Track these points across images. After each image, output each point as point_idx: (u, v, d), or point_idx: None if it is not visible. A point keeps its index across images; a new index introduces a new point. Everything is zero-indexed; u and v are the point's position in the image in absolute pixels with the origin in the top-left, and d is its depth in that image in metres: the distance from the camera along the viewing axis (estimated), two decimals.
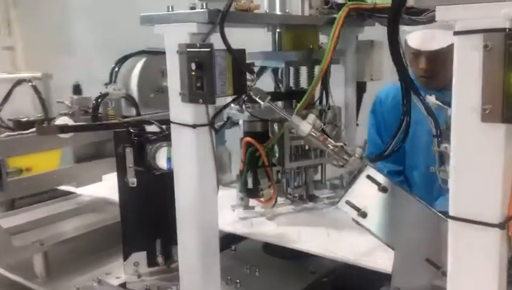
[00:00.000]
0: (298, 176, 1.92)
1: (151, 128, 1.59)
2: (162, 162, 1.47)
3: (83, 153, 2.09)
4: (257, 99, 1.28)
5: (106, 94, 2.12)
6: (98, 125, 1.92)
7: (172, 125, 1.35)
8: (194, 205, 1.35)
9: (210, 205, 1.38)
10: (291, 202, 1.94)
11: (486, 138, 0.85)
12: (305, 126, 1.23)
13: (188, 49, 1.25)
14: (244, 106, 1.70)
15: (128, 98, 2.26)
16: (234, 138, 1.97)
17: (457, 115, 0.88)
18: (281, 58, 1.69)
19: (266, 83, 1.91)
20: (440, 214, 1.12)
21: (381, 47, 2.01)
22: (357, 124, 2.18)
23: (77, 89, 2.16)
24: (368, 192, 1.14)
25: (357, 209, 1.14)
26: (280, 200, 1.96)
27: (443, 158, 1.17)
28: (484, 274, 0.89)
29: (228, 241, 1.89)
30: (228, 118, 1.84)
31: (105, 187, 2.13)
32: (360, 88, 2.13)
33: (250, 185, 1.75)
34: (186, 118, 1.31)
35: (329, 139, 1.23)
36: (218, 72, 1.23)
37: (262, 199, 1.79)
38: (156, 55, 2.36)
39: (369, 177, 1.13)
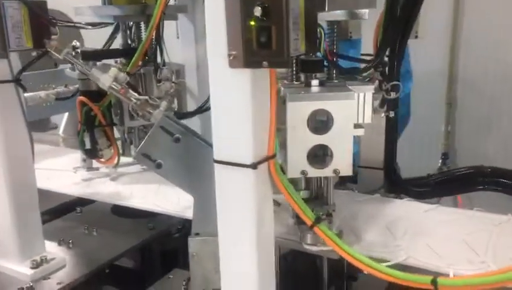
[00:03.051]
0: (145, 134, 1.91)
1: None
2: None
3: None
4: (52, 52, 1.24)
5: None
6: None
7: None
8: (2, 165, 1.31)
9: (22, 165, 1.35)
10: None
11: (235, 83, 0.89)
12: (106, 79, 1.22)
13: None
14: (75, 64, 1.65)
15: None
16: None
17: (211, 61, 0.91)
18: (109, 12, 1.64)
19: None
20: None
21: None
22: None
23: None
24: (162, 143, 1.16)
25: (153, 160, 1.16)
26: (129, 160, 1.95)
27: None
28: (244, 211, 0.95)
29: (77, 204, 1.87)
30: None
31: None
32: None
33: (87, 145, 1.72)
34: None
35: (131, 92, 1.23)
36: (10, 24, 1.18)
37: (102, 160, 1.77)
38: None
39: (162, 128, 1.15)
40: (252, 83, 0.89)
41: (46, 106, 2.17)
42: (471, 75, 3.44)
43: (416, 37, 1.67)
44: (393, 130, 1.74)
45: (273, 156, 0.96)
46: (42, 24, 1.24)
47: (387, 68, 1.27)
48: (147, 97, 1.23)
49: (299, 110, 1.08)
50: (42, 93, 2.07)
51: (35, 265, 1.37)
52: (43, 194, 1.58)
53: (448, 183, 1.87)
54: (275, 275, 1.05)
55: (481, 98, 3.41)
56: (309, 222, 0.99)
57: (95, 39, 1.87)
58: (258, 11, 0.80)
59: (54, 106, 2.22)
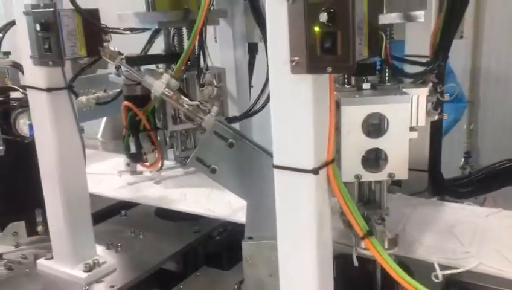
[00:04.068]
0: (187, 138, 1.93)
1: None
2: (23, 128, 1.43)
3: None
4: (107, 59, 1.26)
5: None
6: None
7: (28, 90, 1.32)
8: (56, 170, 1.34)
9: (75, 170, 1.38)
10: (180, 165, 1.95)
11: (297, 89, 0.89)
12: (159, 85, 1.23)
13: (33, 10, 1.21)
14: (121, 70, 1.67)
15: (17, 67, 2.16)
16: None
17: (272, 68, 0.91)
18: (153, 19, 1.66)
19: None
20: None
21: None
22: (252, 86, 2.21)
23: None
24: (216, 148, 1.16)
25: (207, 165, 1.17)
26: (171, 163, 1.98)
27: None
28: (305, 216, 0.95)
29: (121, 207, 1.90)
30: None
31: None
32: (252, 49, 2.16)
33: (132, 149, 1.75)
34: (39, 82, 1.28)
35: (183, 98, 1.24)
36: (66, 33, 1.20)
37: (146, 164, 1.79)
38: None
39: (216, 133, 1.16)
40: (314, 88, 0.89)
41: (85, 111, 2.22)
42: (494, 73, 3.38)
43: (461, 37, 1.65)
44: (438, 131, 1.72)
45: (332, 161, 0.96)
46: (94, 32, 1.26)
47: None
48: (198, 102, 1.24)
49: (353, 114, 1.08)
50: (83, 98, 2.12)
51: (88, 268, 1.39)
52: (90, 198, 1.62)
53: (490, 180, 1.85)
54: (333, 280, 1.05)
55: (505, 95, 3.36)
56: (361, 233, 0.98)
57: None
58: (323, 17, 0.80)
59: (92, 110, 2.27)
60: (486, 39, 3.35)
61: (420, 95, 1.14)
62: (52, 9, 1.17)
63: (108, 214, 1.88)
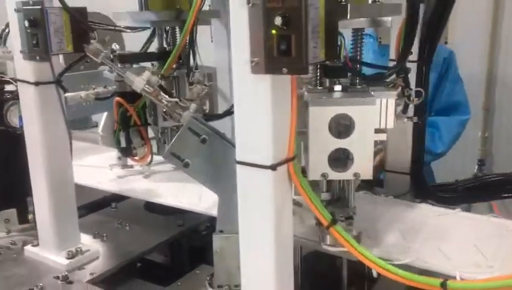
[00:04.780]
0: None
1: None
2: (14, 119, 1.50)
3: None
4: (91, 56, 1.31)
5: None
6: None
7: (18, 83, 1.39)
8: (42, 161, 1.40)
9: (61, 161, 1.43)
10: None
11: (257, 88, 0.94)
12: (139, 82, 1.29)
13: (23, 7, 1.27)
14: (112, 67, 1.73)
15: None
16: None
17: (235, 67, 0.96)
18: (146, 18, 1.72)
19: None
20: None
21: None
22: None
23: None
24: (190, 144, 1.21)
25: (181, 159, 1.22)
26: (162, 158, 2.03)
27: None
28: (263, 211, 0.99)
29: (113, 199, 1.96)
30: None
31: None
32: None
33: (123, 144, 1.81)
34: (28, 76, 1.34)
35: (162, 94, 1.30)
36: (52, 29, 1.26)
37: (136, 158, 1.85)
38: None
39: (190, 129, 1.21)
40: (273, 88, 0.93)
41: (86, 105, 2.29)
42: (511, 79, 3.34)
43: (445, 43, 1.68)
44: (420, 135, 1.75)
45: (293, 158, 1.00)
46: (82, 29, 1.32)
47: (415, 74, 1.29)
48: (177, 99, 1.29)
49: (320, 115, 1.12)
50: (82, 93, 2.19)
51: (71, 256, 1.45)
52: (82, 189, 1.69)
53: (476, 190, 1.85)
54: (293, 275, 1.09)
55: None
56: (325, 223, 1.02)
57: (136, 41, 1.96)
58: (278, 21, 0.85)
59: (94, 105, 2.34)
60: (504, 45, 3.31)
61: (388, 98, 1.18)
62: (39, 6, 1.23)
63: (100, 205, 1.94)
